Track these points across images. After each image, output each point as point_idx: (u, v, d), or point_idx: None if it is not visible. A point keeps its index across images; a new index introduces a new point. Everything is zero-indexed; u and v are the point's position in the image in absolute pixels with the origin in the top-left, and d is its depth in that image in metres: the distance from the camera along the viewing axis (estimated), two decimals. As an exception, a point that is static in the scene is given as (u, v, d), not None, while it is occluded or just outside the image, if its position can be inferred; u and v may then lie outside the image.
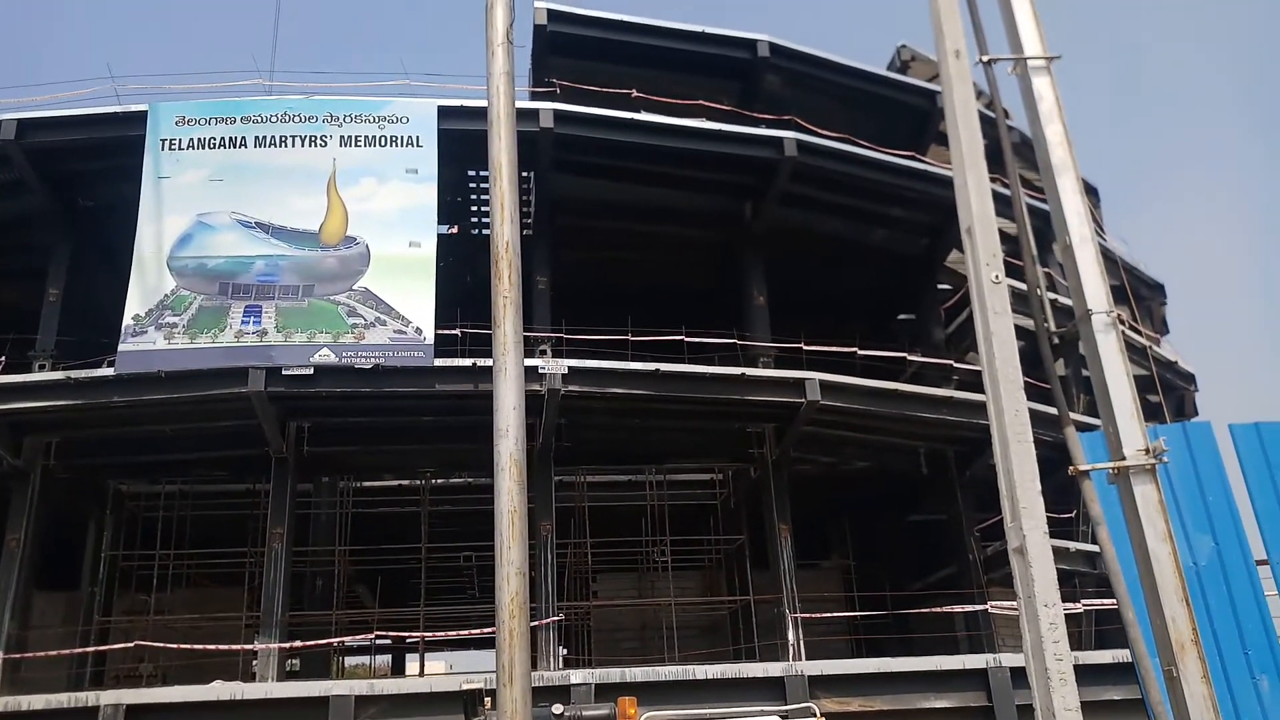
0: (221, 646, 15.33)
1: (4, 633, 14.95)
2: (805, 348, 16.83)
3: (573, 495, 18.56)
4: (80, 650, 15.97)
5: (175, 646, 15.12)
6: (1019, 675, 13.56)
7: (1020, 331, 6.54)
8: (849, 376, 16.59)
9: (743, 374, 16.25)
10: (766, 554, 17.70)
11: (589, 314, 17.09)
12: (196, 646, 15.16)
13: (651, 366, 15.71)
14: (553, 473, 16.63)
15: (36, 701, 13.21)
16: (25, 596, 15.70)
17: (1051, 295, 9.24)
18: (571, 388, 15.27)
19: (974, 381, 16.48)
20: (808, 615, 16.32)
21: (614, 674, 13.54)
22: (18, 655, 14.97)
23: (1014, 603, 6.99)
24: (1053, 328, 7.53)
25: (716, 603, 19.87)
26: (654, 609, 18.95)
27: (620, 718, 7.56)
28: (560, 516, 16.93)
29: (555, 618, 15.25)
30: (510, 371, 7.15)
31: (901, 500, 20.45)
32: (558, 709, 7.79)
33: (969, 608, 16.71)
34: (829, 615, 17.59)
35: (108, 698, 12.97)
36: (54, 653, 15.71)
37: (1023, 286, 8.59)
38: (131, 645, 15.07)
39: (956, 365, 18.46)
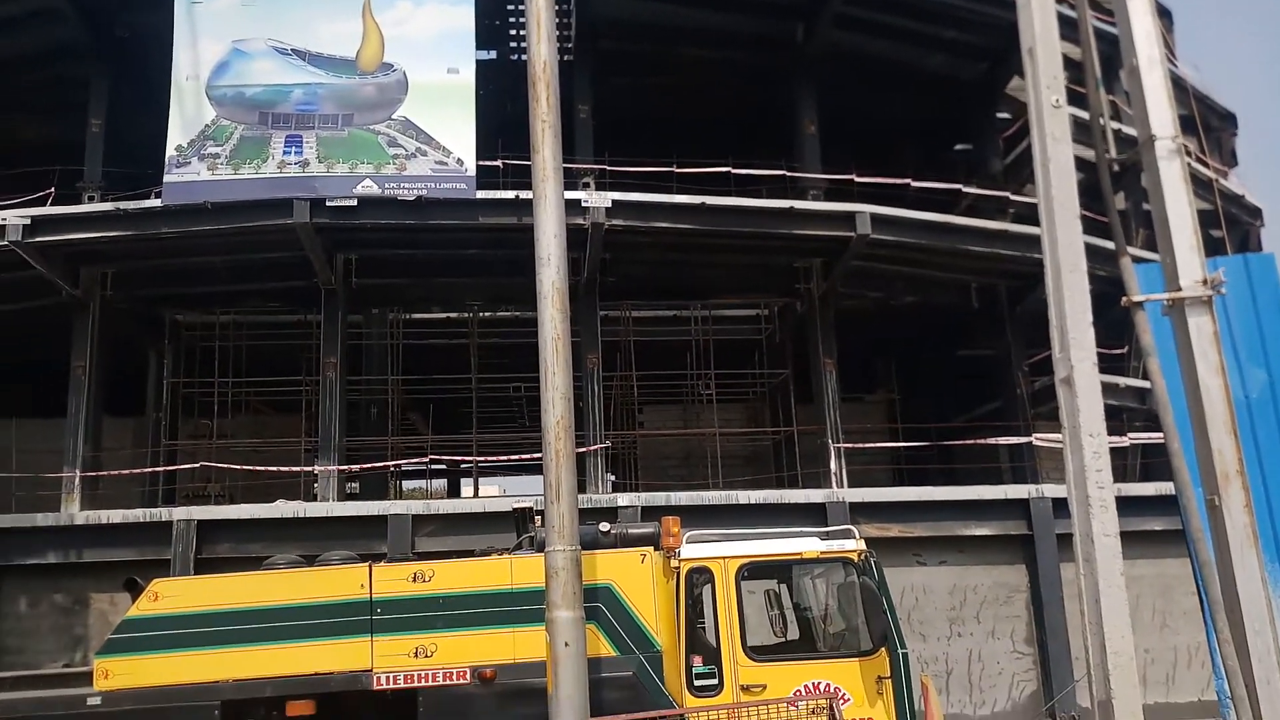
0: (283, 469, 15.96)
1: (79, 453, 15.72)
2: (856, 179, 16.38)
3: (618, 330, 18.66)
4: (150, 470, 16.75)
5: (239, 468, 15.78)
6: (1061, 505, 13.75)
7: (1080, 163, 6.26)
8: (901, 209, 16.17)
9: (791, 207, 15.92)
10: (811, 388, 17.82)
11: (633, 145, 16.71)
12: (259, 468, 15.81)
13: (697, 200, 15.43)
14: (598, 307, 16.67)
15: (115, 516, 14.04)
16: (96, 421, 16.41)
17: (1115, 125, 8.78)
18: (615, 221, 15.10)
19: (1030, 214, 16.01)
20: (850, 446, 16.53)
21: (659, 497, 13.97)
22: (93, 474, 15.76)
23: (1059, 435, 6.98)
24: (1114, 154, 7.20)
25: (760, 434, 20.17)
26: (698, 439, 19.30)
27: (664, 536, 7.80)
28: (606, 350, 17.08)
29: (602, 444, 15.63)
30: (550, 199, 7.08)
31: (949, 335, 20.29)
32: (604, 527, 8.06)
33: (1013, 440, 16.78)
34: (872, 445, 17.80)
35: (179, 514, 13.71)
36: (126, 472, 16.53)
37: (1085, 115, 8.18)
38: (197, 466, 15.78)
39: (1013, 198, 17.90)
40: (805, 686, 7.35)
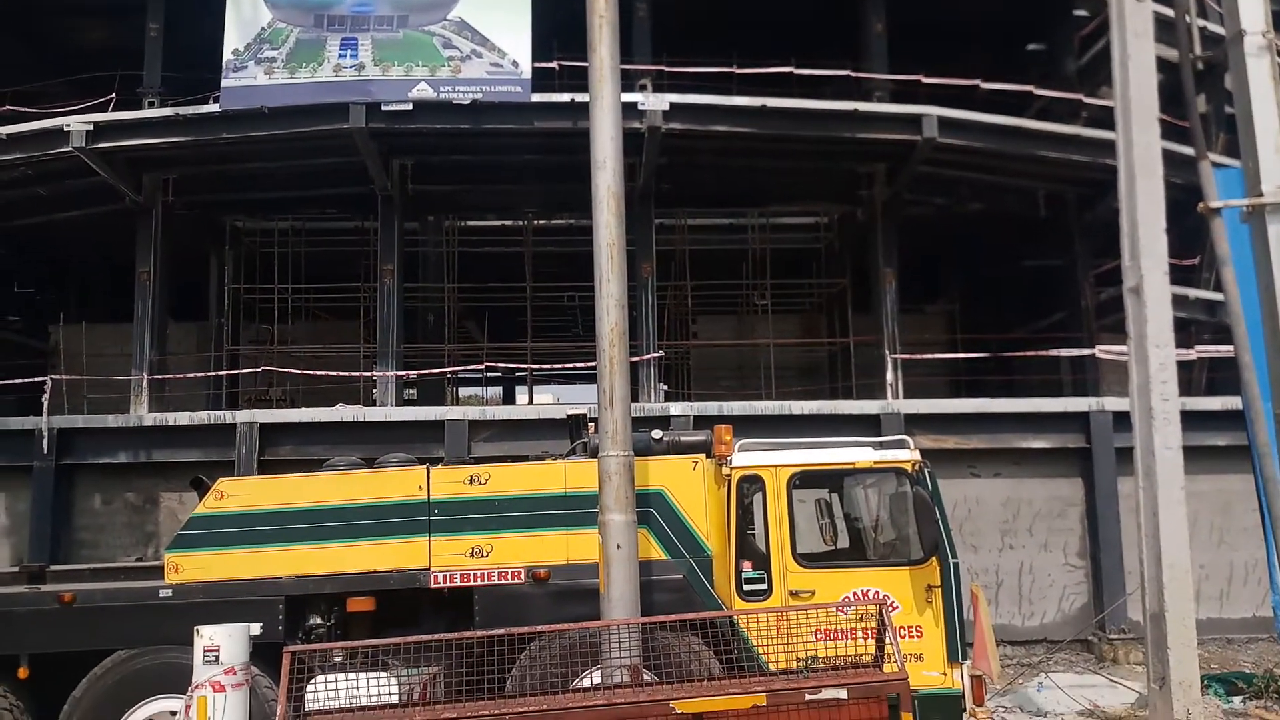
0: (343, 373, 16.23)
1: (147, 357, 16.14)
2: (924, 80, 15.79)
3: (673, 238, 18.47)
4: (214, 374, 17.15)
5: (300, 373, 16.09)
6: (1122, 419, 13.48)
7: (1160, 64, 5.94)
8: (970, 112, 15.59)
9: (855, 109, 15.43)
10: (869, 298, 17.54)
11: (691, 46, 16.24)
12: (319, 373, 16.10)
13: (758, 102, 15.02)
14: (653, 215, 16.48)
15: (181, 418, 14.45)
16: (161, 326, 16.80)
17: (1200, 21, 8.27)
18: (673, 125, 14.80)
19: (1104, 118, 15.22)
20: (908, 357, 16.31)
21: (711, 407, 13.97)
22: (160, 377, 16.20)
23: (1124, 346, 6.78)
24: (1198, 52, 6.85)
25: (815, 345, 19.99)
26: (753, 350, 19.19)
27: (716, 444, 7.81)
28: (661, 259, 16.93)
29: (655, 354, 15.62)
30: (607, 100, 6.92)
31: (1014, 245, 19.75)
32: (657, 434, 8.09)
33: (1076, 351, 16.41)
34: (930, 357, 17.53)
35: (243, 416, 14.07)
36: (191, 375, 16.96)
37: (1168, 11, 7.73)
38: (260, 370, 16.12)
39: (1087, 100, 17.14)
40: (854, 593, 7.39)
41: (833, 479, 8.13)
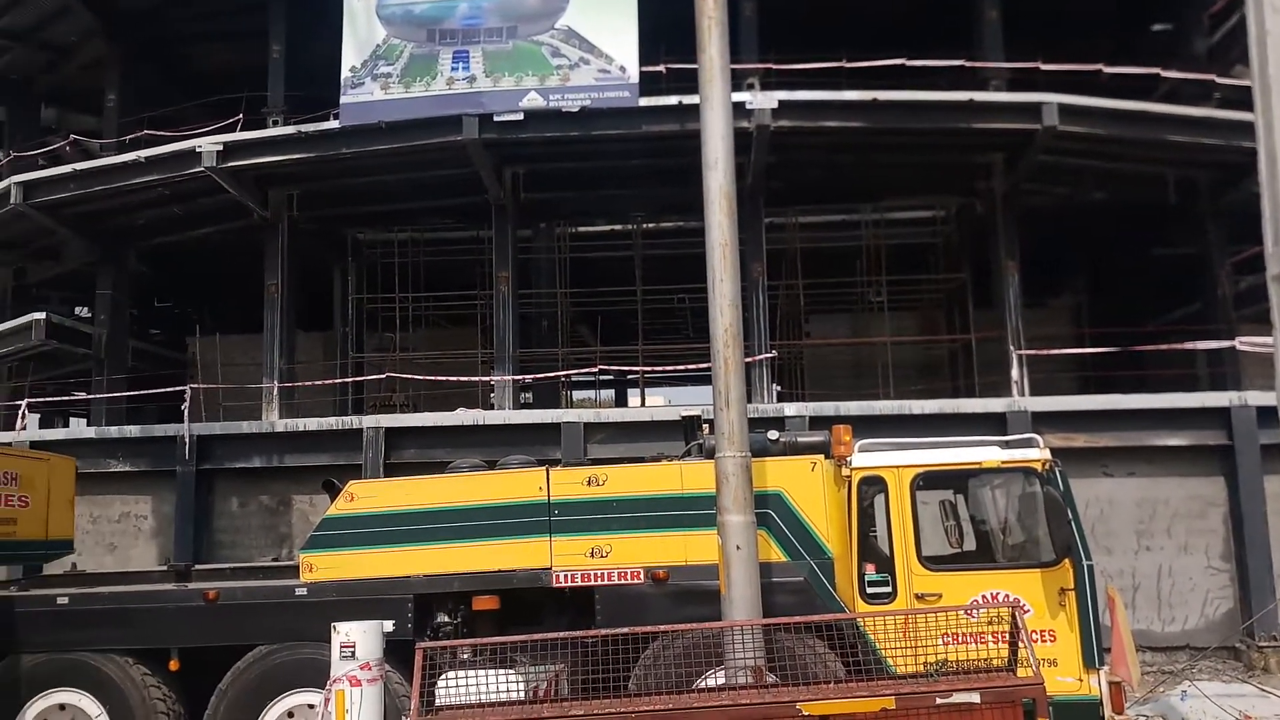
0: (461, 379, 16.62)
1: (276, 366, 16.84)
2: (1042, 67, 15.25)
3: (784, 237, 18.29)
4: (339, 381, 17.78)
5: (421, 378, 16.53)
6: (1267, 414, 12.76)
7: (1302, 34, 5.59)
8: (1092, 98, 14.99)
9: (970, 99, 15.00)
10: (990, 292, 17.04)
11: (798, 42, 16.05)
12: (439, 378, 16.52)
13: (869, 95, 14.76)
14: (763, 213, 16.37)
15: (311, 424, 15.02)
16: (289, 336, 17.50)
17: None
18: (782, 123, 14.67)
19: (1238, 99, 14.56)
20: (1034, 353, 15.78)
21: (827, 407, 13.77)
22: (289, 385, 16.87)
23: (1268, 338, 6.40)
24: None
25: (935, 342, 19.51)
26: (868, 349, 18.85)
27: (835, 445, 7.69)
28: (771, 258, 16.80)
29: (768, 355, 15.50)
30: (717, 100, 6.90)
31: (1143, 234, 18.90)
32: (773, 435, 8.01)
33: (1214, 344, 15.58)
34: (1057, 352, 16.91)
35: (369, 421, 14.54)
36: (318, 383, 17.61)
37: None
38: (383, 377, 16.62)
39: (1219, 80, 16.28)
40: (983, 596, 7.18)
41: (958, 479, 7.92)
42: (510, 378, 16.13)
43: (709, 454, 7.76)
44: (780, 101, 14.58)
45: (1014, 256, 16.22)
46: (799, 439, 8.21)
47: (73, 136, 19.91)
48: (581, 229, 19.57)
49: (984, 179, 16.75)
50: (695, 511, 7.55)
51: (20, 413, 16.82)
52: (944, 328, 19.33)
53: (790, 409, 13.84)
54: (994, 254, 16.60)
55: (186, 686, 7.42)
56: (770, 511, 7.51)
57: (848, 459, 7.66)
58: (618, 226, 19.62)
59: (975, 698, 4.99)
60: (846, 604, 7.34)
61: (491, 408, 16.01)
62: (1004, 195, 16.42)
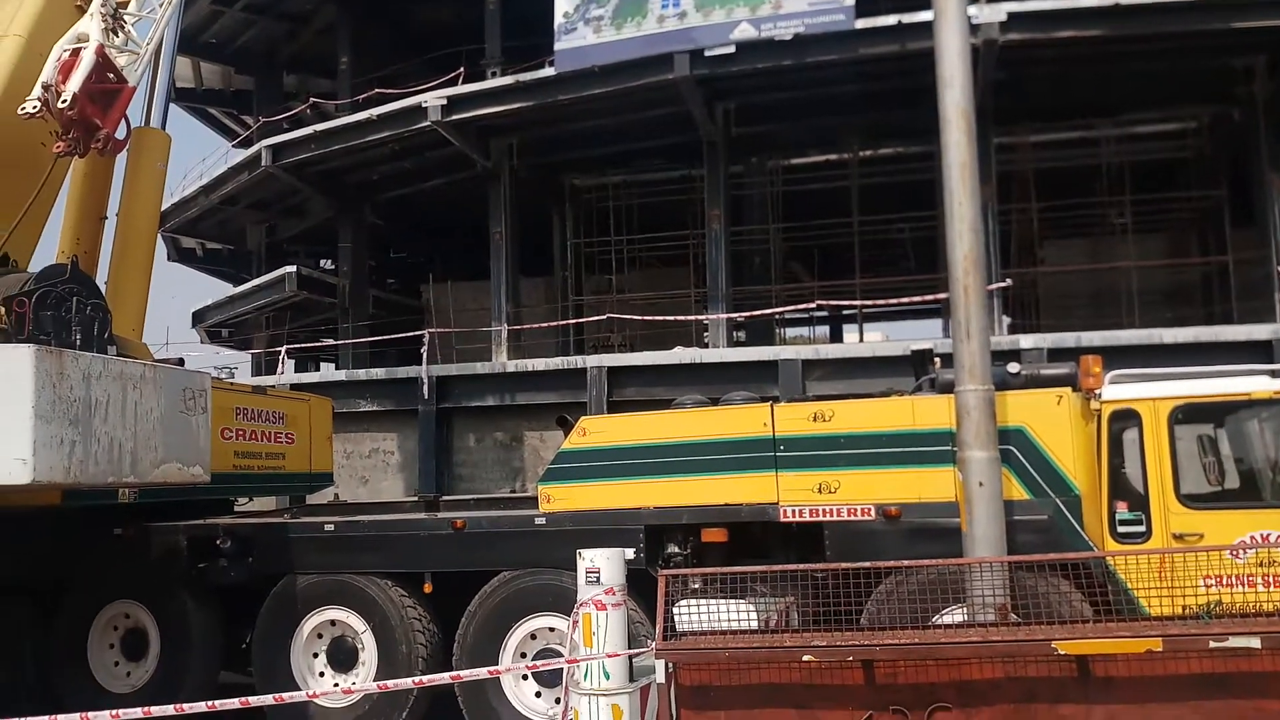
0: (677, 318, 16.77)
1: (504, 310, 17.59)
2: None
3: (1014, 158, 17.21)
4: (562, 324, 18.35)
5: (638, 318, 16.80)
6: None
7: None
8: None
9: (1227, -5, 13.53)
10: (1251, 209, 15.46)
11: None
12: (656, 318, 16.73)
13: (1109, 0, 13.55)
14: (992, 134, 15.44)
15: (538, 364, 15.64)
16: (514, 281, 18.22)
17: None
18: (1011, 36, 13.73)
19: None
20: (1302, 274, 14.25)
21: (1067, 338, 12.95)
22: (516, 328, 17.59)
23: None
24: None
25: (1186, 265, 17.92)
26: (1110, 275, 17.51)
27: (1083, 377, 7.21)
28: (1002, 181, 15.89)
29: (1002, 284, 14.72)
30: (952, 13, 6.52)
31: None
32: (1014, 368, 7.61)
33: None
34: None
35: (593, 361, 14.98)
36: (541, 325, 18.26)
37: None
38: (604, 318, 17.01)
39: None
40: (1251, 537, 6.59)
41: (1222, 412, 7.26)
42: (724, 316, 16.14)
43: (942, 388, 7.47)
44: (1010, 14, 13.65)
45: (1278, 169, 14.63)
46: (1042, 371, 7.77)
47: (312, 100, 21.35)
48: (794, 161, 19.15)
49: (1244, 84, 15.18)
50: (928, 448, 7.30)
51: (280, 359, 18.42)
52: (1196, 250, 17.72)
53: (1026, 341, 13.12)
54: (1254, 167, 15.07)
55: (439, 608, 7.93)
56: (1011, 447, 7.15)
57: (1097, 391, 7.18)
58: (832, 156, 19.08)
59: (1255, 642, 4.59)
60: (1095, 543, 6.94)
61: (705, 346, 16.10)
62: (1267, 101, 14.81)
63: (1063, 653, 4.63)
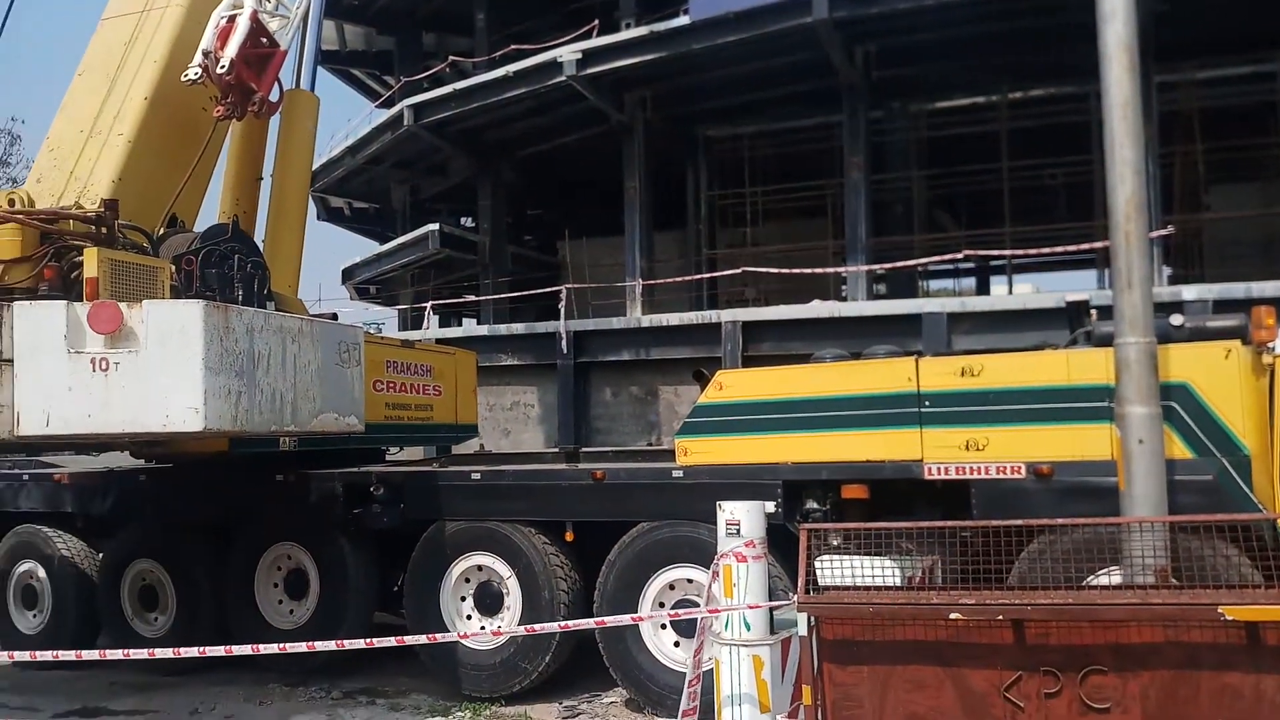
0: (814, 270, 16.47)
1: (638, 265, 17.66)
2: None
3: (1177, 96, 16.12)
4: (696, 278, 18.30)
5: (774, 272, 16.58)
6: None
7: None
8: None
9: None
10: None
11: None
12: (793, 271, 16.48)
13: (1288, -83, 12.47)
14: (1153, 72, 14.48)
15: (673, 319, 15.66)
16: (648, 236, 18.25)
17: None
18: (1178, -38, 12.81)
19: None
20: None
21: (1236, 289, 12.11)
22: (651, 283, 17.64)
23: None
24: None
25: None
26: (1283, 220, 16.32)
27: (1255, 329, 6.74)
28: (1163, 122, 14.91)
29: (1164, 231, 13.88)
30: (1115, -62, 6.08)
31: None
32: (1177, 320, 7.18)
33: None
34: None
35: (726, 315, 14.88)
36: (676, 280, 18.25)
37: None
38: (738, 272, 16.87)
39: None
40: None
41: None
42: (864, 268, 15.78)
43: (1099, 341, 7.11)
44: (1176, -62, 12.72)
45: None
46: (1208, 323, 7.29)
47: (451, 59, 21.73)
48: (939, 105, 18.44)
49: None
50: (1083, 404, 6.98)
51: (425, 314, 19.02)
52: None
53: (1189, 292, 12.35)
54: None
55: (580, 556, 8.10)
56: (1173, 404, 6.76)
57: (1271, 345, 6.70)
58: (979, 99, 18.29)
59: None
60: (1265, 505, 6.52)
61: (843, 299, 15.78)
62: None
63: (1230, 618, 4.37)
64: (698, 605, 6.97)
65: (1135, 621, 4.56)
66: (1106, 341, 6.92)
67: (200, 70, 7.65)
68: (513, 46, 18.87)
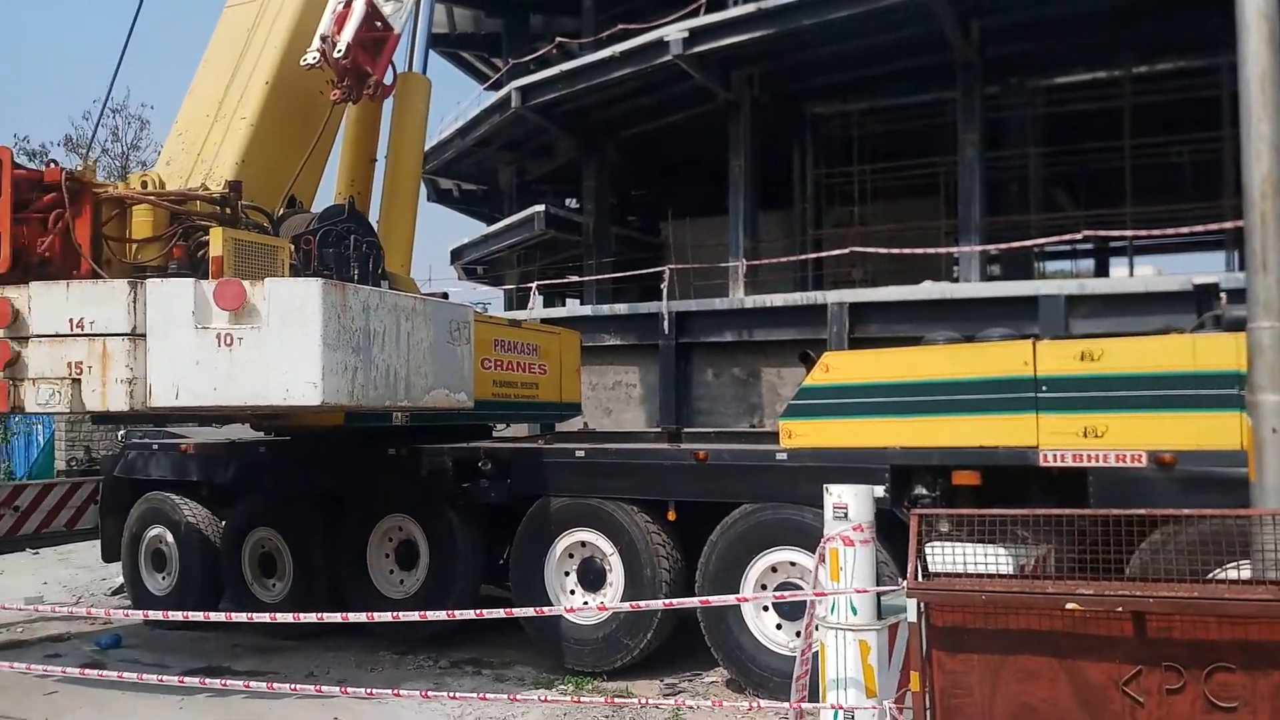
0: (925, 250, 16.07)
1: (741, 245, 17.53)
2: None
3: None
4: (801, 258, 18.08)
5: (884, 252, 16.24)
6: None
7: None
8: None
9: None
10: None
11: None
12: (903, 251, 16.12)
13: None
14: None
15: (777, 300, 15.51)
16: (752, 216, 18.09)
17: None
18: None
19: None
20: None
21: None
22: (754, 263, 17.50)
23: None
24: None
25: None
26: None
27: (1406, 314, 6.31)
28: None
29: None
30: (1259, -102, 5.72)
31: None
32: (1317, 303, 6.77)
33: None
34: None
35: (833, 297, 14.66)
36: (781, 260, 18.06)
37: None
38: (845, 252, 16.62)
39: None
40: None
41: None
42: (977, 248, 15.34)
43: (1230, 326, 6.77)
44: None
45: None
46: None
47: (558, 40, 21.87)
48: (1058, 80, 17.75)
49: None
50: (1211, 390, 6.67)
51: (530, 294, 19.28)
52: None
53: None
54: None
55: (682, 535, 8.12)
56: (1310, 392, 6.40)
57: None
58: (1101, 74, 17.52)
59: None
60: None
61: (954, 280, 15.38)
62: None
63: (1374, 619, 4.14)
64: (800, 588, 6.93)
65: (1267, 618, 4.34)
66: (1237, 326, 6.58)
67: (318, 54, 7.86)
68: (619, 26, 18.86)
